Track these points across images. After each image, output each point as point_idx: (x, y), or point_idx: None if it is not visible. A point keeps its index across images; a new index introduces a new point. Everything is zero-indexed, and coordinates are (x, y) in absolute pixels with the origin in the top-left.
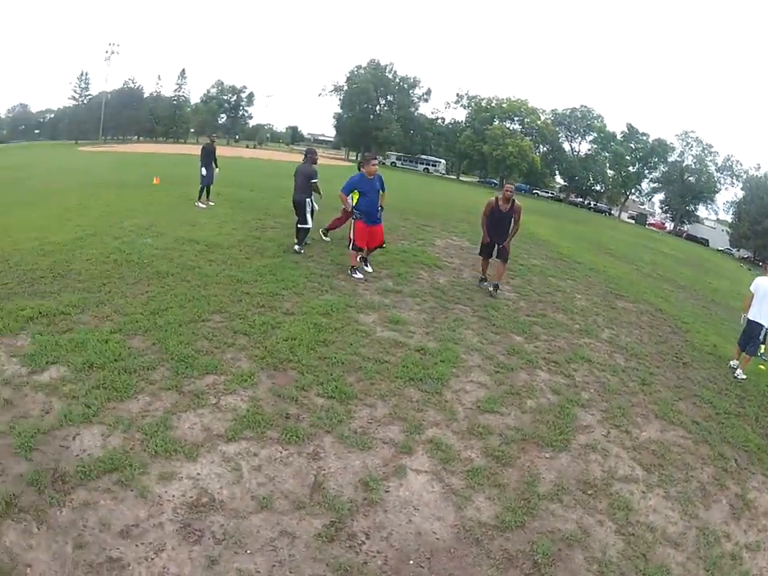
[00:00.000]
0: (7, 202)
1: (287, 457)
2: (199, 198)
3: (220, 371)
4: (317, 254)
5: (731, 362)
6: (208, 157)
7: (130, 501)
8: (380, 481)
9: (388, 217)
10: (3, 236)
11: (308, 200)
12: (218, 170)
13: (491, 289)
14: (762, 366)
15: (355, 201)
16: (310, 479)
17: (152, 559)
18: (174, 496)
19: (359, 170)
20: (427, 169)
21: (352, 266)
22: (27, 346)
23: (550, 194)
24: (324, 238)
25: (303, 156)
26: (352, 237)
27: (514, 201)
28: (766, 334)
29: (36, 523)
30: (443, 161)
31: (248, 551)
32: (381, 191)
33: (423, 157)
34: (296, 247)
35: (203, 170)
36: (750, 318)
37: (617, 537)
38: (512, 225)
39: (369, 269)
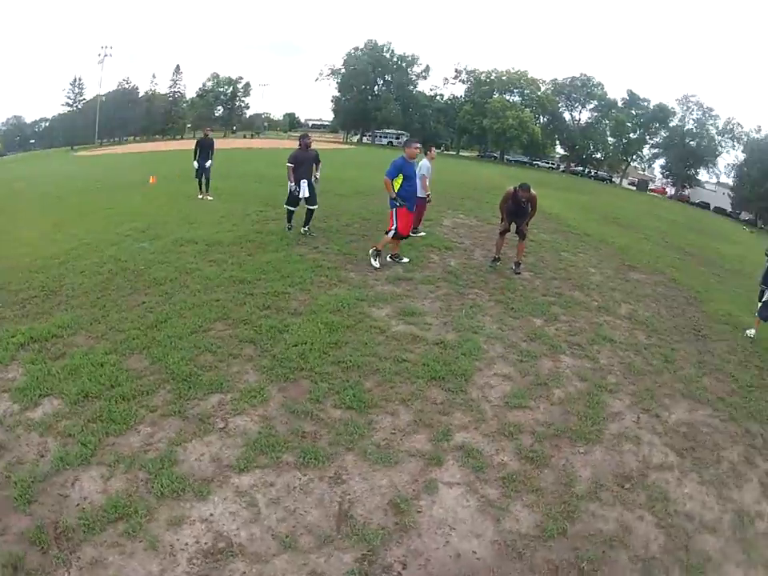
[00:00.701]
0: None
1: (307, 483)
2: (199, 191)
3: (226, 388)
4: (322, 244)
5: (747, 332)
6: (202, 150)
7: (140, 554)
8: (411, 500)
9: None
10: None
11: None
12: (209, 162)
13: (513, 267)
14: None
15: (398, 186)
16: (334, 508)
17: None
18: (187, 544)
19: (425, 154)
20: (391, 142)
21: (378, 250)
22: (19, 377)
23: (549, 165)
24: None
25: None
26: (396, 225)
27: (529, 190)
28: (762, 293)
29: None
30: (406, 134)
31: None
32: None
33: (386, 131)
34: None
35: (195, 163)
36: None
37: (658, 530)
38: (529, 209)
39: (406, 259)
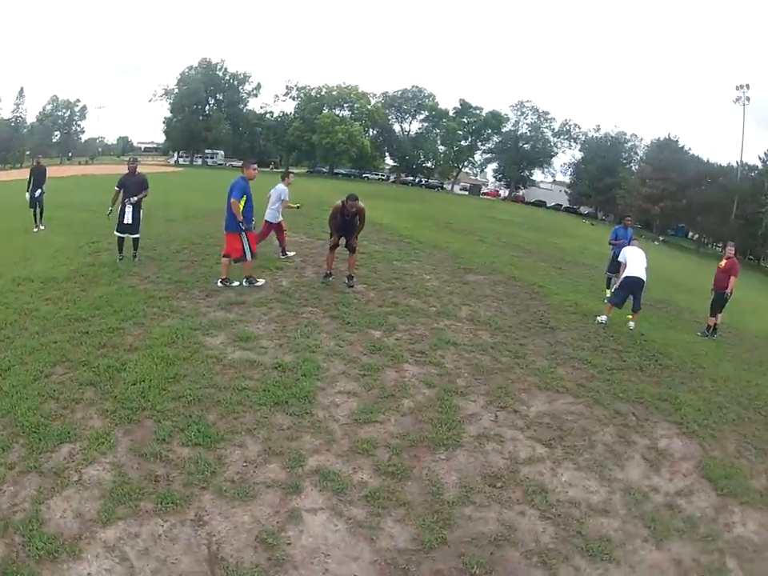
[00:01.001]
0: None
1: (170, 529)
2: (34, 223)
3: (74, 437)
4: (153, 273)
5: (598, 318)
6: (35, 179)
7: None
8: (277, 533)
9: (217, 220)
10: None
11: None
12: (39, 191)
13: (346, 281)
14: (629, 316)
15: (242, 208)
16: (203, 551)
17: None
18: None
19: (283, 179)
20: (206, 162)
21: (251, 276)
22: None
23: (379, 176)
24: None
25: None
26: (249, 248)
27: (357, 201)
28: (610, 280)
29: None
30: (221, 151)
31: None
32: None
33: (206, 151)
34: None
35: (27, 194)
36: (634, 275)
37: (544, 522)
38: (358, 223)
39: (236, 283)
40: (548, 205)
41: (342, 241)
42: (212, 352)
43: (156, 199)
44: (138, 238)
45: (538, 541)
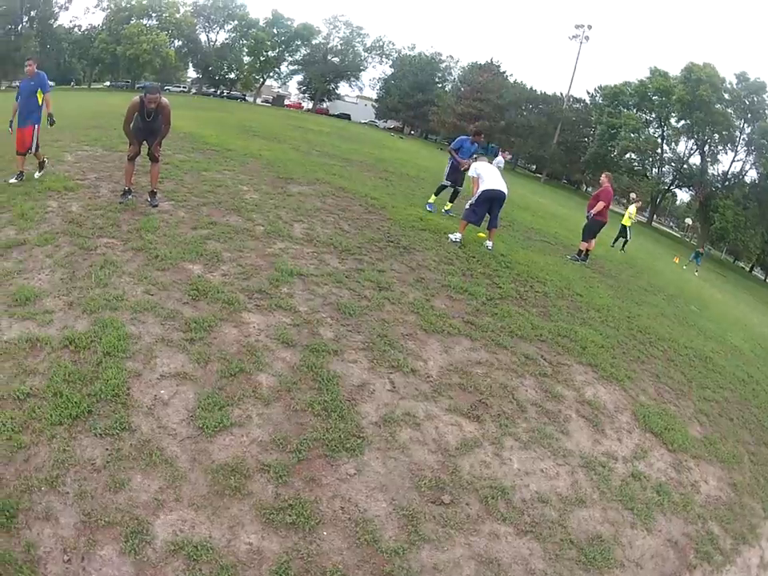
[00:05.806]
0: None
1: None
2: None
3: None
4: None
5: (451, 236)
6: None
7: None
8: None
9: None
10: None
11: None
12: None
13: (149, 199)
14: (481, 234)
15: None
16: None
17: None
18: None
19: None
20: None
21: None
22: None
23: (182, 88)
24: None
25: None
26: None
27: (160, 99)
28: (442, 188)
29: None
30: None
31: None
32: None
33: None
34: None
35: None
36: (495, 188)
37: (524, 540)
38: (161, 126)
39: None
40: (351, 119)
41: (144, 149)
42: None
43: None
44: None
45: (532, 571)
